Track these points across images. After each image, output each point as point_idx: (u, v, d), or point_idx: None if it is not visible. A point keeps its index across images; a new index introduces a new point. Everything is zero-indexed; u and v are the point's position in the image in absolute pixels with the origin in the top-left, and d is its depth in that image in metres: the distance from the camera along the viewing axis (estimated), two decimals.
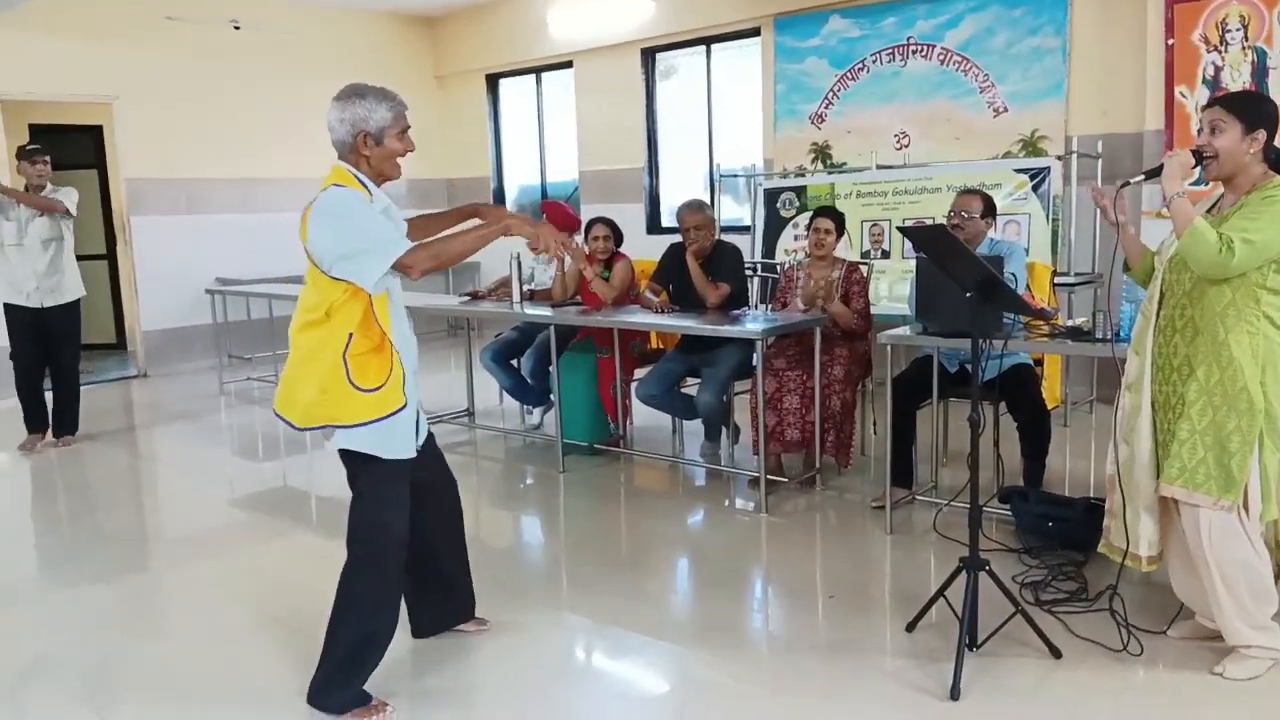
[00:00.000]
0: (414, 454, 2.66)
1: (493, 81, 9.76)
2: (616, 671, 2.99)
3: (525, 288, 5.45)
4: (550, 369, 5.12)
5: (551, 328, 4.97)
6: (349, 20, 9.23)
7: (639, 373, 5.22)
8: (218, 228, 8.44)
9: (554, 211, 5.69)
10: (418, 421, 2.71)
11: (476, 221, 2.77)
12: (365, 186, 2.55)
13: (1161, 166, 2.66)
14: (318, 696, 2.64)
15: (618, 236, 5.29)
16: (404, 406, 2.54)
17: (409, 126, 2.61)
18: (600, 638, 3.16)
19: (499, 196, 9.87)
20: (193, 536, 4.27)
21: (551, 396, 5.29)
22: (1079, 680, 2.68)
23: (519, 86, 9.65)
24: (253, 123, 8.60)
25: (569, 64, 8.93)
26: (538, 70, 9.33)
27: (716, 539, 4.13)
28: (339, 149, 2.57)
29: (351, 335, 2.48)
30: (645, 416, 5.44)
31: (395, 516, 2.63)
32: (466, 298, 5.74)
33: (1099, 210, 2.90)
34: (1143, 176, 2.84)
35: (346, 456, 2.60)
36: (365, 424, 2.51)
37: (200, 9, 8.19)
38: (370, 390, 2.49)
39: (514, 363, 5.68)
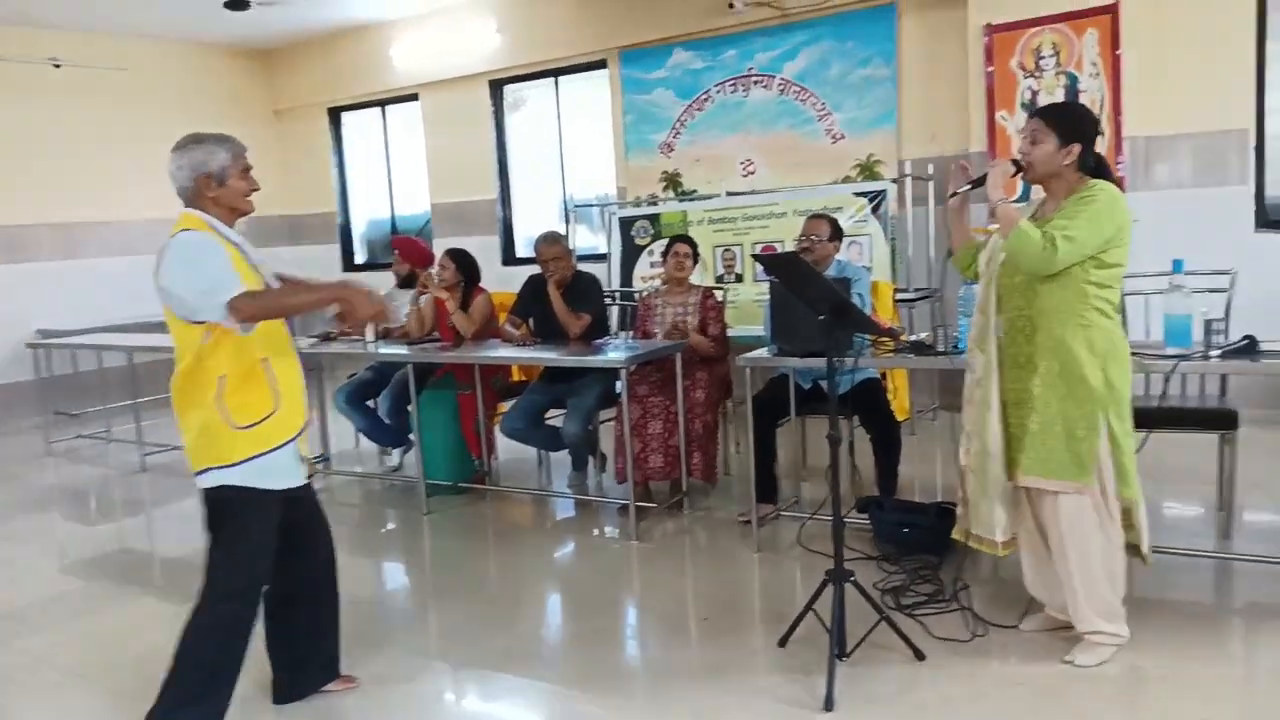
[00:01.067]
0: (297, 483, 2.70)
1: (335, 115, 9.53)
2: (495, 716, 2.92)
3: (379, 326, 5.31)
4: (409, 408, 4.99)
5: (409, 366, 4.85)
6: (179, 55, 8.84)
7: (502, 407, 5.16)
8: (39, 276, 7.89)
9: (406, 247, 5.58)
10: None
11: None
12: (215, 229, 2.58)
13: (985, 176, 2.85)
14: None
15: (472, 270, 5.22)
16: (292, 439, 2.62)
17: (250, 166, 2.68)
18: (474, 683, 3.08)
19: (345, 231, 9.63)
20: (19, 611, 3.91)
21: (411, 436, 5.15)
22: (942, 680, 2.79)
23: (363, 119, 9.45)
24: (77, 165, 8.11)
25: (415, 96, 8.82)
26: (382, 103, 9.17)
27: (588, 570, 4.10)
28: (183, 196, 2.62)
29: (223, 378, 2.53)
30: (510, 451, 5.37)
31: (261, 551, 2.63)
32: (316, 339, 5.53)
33: (949, 189, 3.06)
34: (969, 186, 3.02)
35: (212, 495, 2.59)
36: (246, 461, 2.54)
37: (17, 47, 7.68)
38: (251, 426, 2.54)
39: (370, 403, 5.51)
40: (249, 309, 2.48)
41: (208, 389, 2.53)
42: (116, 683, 3.15)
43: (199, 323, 2.50)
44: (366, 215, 9.68)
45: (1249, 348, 3.10)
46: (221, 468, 2.54)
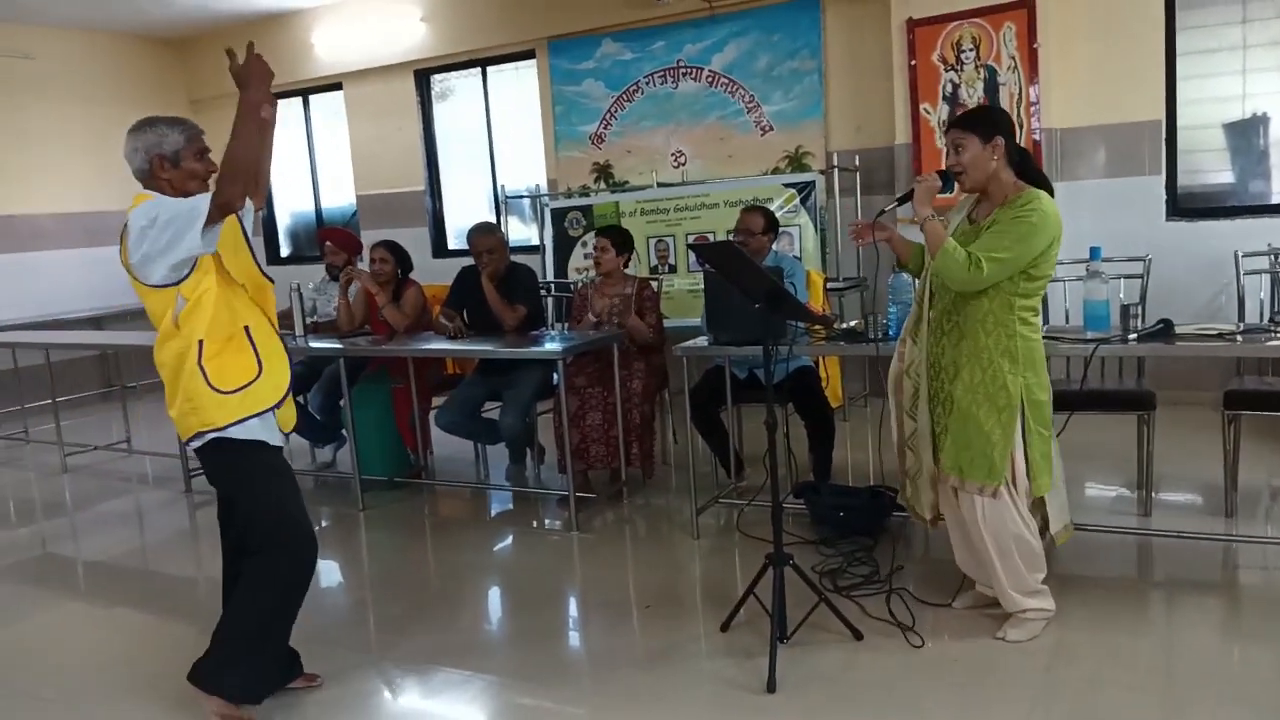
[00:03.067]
0: (283, 444, 2.75)
1: None
2: (436, 712, 2.90)
3: (308, 320, 5.20)
4: (341, 403, 4.91)
5: (341, 360, 4.77)
6: (90, 43, 8.51)
7: (437, 400, 5.11)
8: None
9: (340, 237, 5.48)
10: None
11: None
12: None
13: (912, 191, 2.89)
14: (208, 677, 2.66)
15: (405, 262, 5.15)
16: (278, 404, 2.64)
17: (208, 149, 2.68)
18: (416, 679, 3.04)
19: (269, 224, 9.40)
20: None
21: (344, 432, 5.07)
22: (880, 659, 2.86)
23: (285, 109, 9.21)
24: None
25: (338, 86, 8.65)
26: (304, 92, 8.97)
27: (529, 562, 4.09)
28: (140, 177, 2.64)
29: (202, 342, 2.54)
30: (446, 445, 5.32)
31: (297, 507, 2.71)
32: None
33: (860, 243, 3.11)
34: (896, 203, 3.09)
35: (214, 460, 2.65)
36: (233, 424, 2.56)
37: None
38: (234, 391, 2.56)
39: (299, 399, 5.40)
40: (227, 188, 2.38)
41: (187, 354, 2.54)
42: (39, 688, 3.05)
43: (177, 282, 2.50)
44: (290, 206, 9.46)
45: (1164, 331, 3.23)
46: (209, 431, 2.56)
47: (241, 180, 2.40)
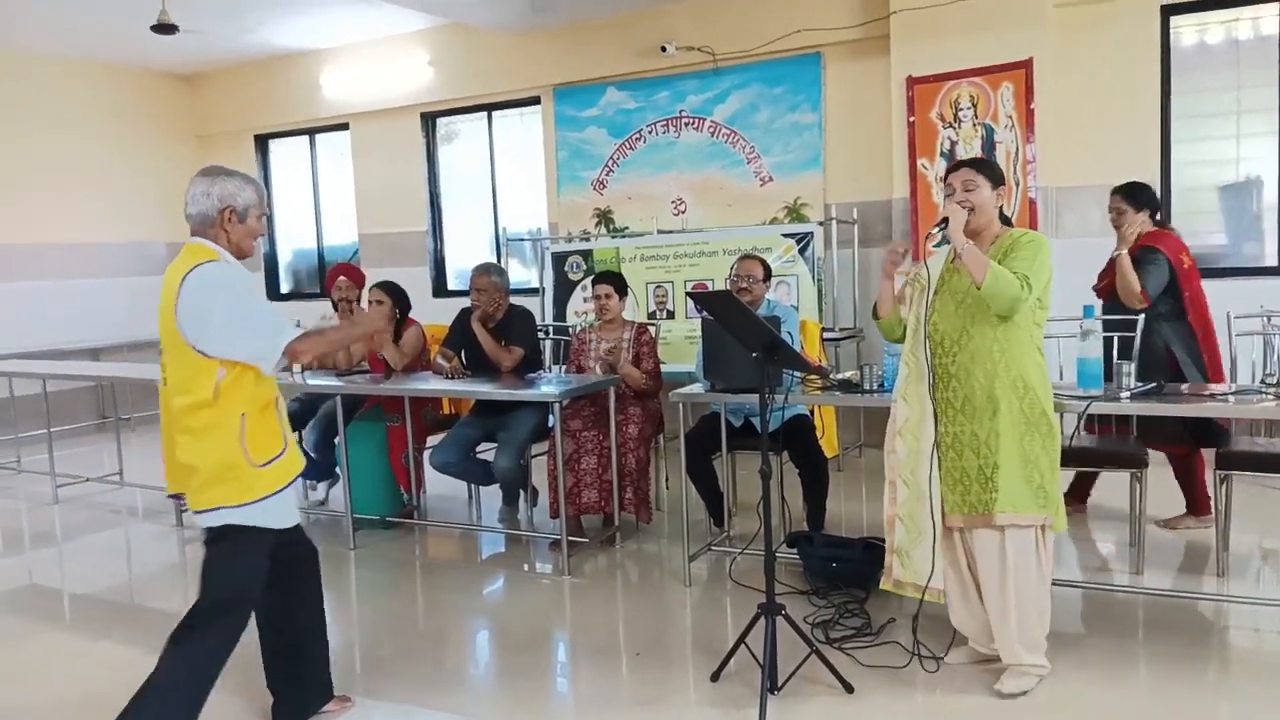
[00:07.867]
0: (295, 522, 2.75)
1: (262, 142, 9.39)
2: None
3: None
4: (336, 440, 4.91)
5: (338, 398, 4.77)
6: (100, 77, 8.62)
7: (432, 440, 5.11)
8: None
9: (349, 273, 5.52)
10: None
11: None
12: (231, 263, 2.62)
13: (947, 220, 2.88)
14: None
15: (403, 302, 5.18)
16: (296, 478, 2.67)
17: (266, 213, 2.74)
18: (399, 719, 3.02)
19: (271, 260, 9.46)
20: None
21: (338, 470, 5.07)
22: (870, 711, 2.84)
23: (291, 147, 9.33)
24: None
25: (345, 126, 8.75)
26: (311, 131, 9.08)
27: (519, 605, 4.07)
28: (198, 221, 2.61)
29: (245, 415, 2.53)
30: (440, 485, 5.31)
31: (254, 584, 2.65)
32: None
33: (886, 263, 3.09)
34: (937, 229, 3.00)
35: (216, 530, 2.60)
36: (259, 500, 2.56)
37: None
38: (268, 463, 2.58)
39: (295, 435, 5.39)
40: (312, 347, 2.61)
41: (229, 426, 2.52)
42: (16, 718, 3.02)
43: (222, 359, 2.49)
44: (293, 244, 9.53)
45: (1157, 390, 3.26)
46: (231, 507, 2.54)
47: (322, 354, 2.72)
